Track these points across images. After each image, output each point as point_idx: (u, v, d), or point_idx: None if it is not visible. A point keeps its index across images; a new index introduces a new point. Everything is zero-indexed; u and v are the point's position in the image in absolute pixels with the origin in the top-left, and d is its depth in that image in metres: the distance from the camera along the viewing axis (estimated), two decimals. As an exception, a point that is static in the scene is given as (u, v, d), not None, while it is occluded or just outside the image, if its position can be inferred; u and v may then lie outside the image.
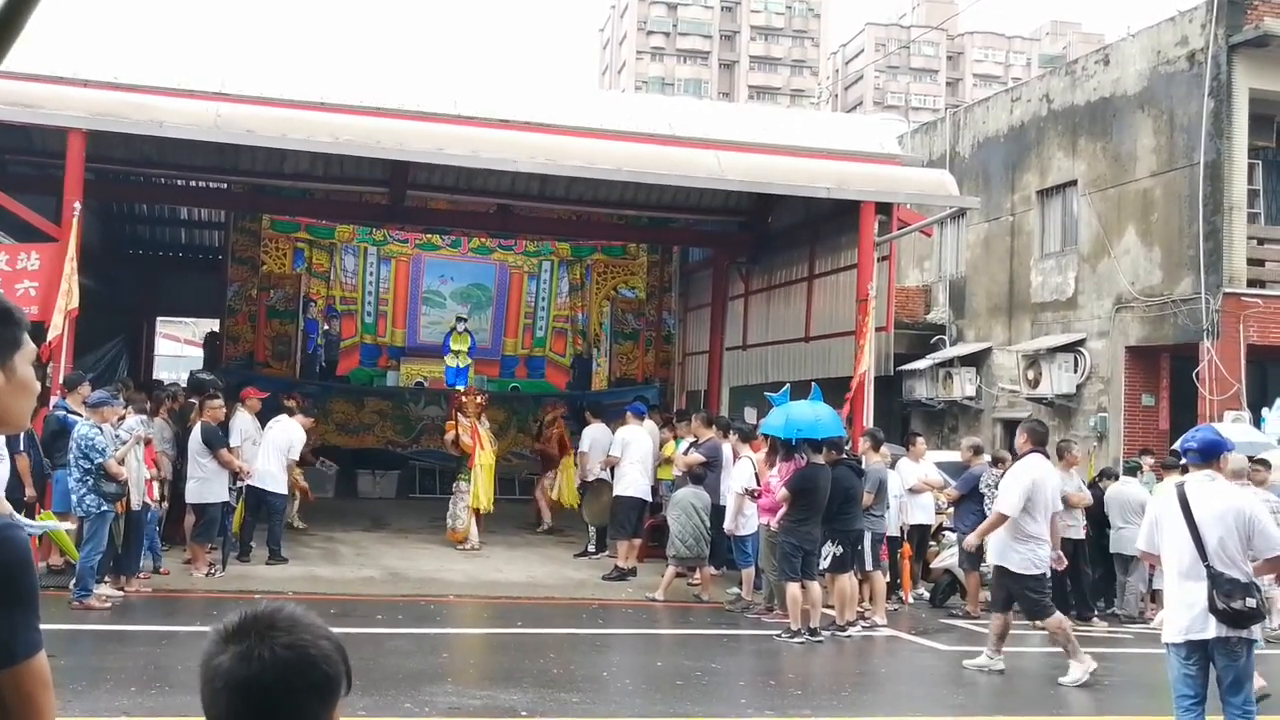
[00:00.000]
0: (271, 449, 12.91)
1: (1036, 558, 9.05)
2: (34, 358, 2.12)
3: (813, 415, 10.91)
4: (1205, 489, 6.08)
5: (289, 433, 13.20)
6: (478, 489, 14.52)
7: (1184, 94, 17.57)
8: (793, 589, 10.37)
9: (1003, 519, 9.03)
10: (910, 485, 13.02)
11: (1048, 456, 9.58)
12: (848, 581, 10.91)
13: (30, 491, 10.12)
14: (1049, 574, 9.39)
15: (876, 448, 12.15)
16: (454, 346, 21.69)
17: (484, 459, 14.69)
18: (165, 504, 11.91)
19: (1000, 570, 9.32)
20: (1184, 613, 5.99)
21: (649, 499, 13.84)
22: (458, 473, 15.00)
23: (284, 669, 1.65)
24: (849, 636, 10.71)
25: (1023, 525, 8.96)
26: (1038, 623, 9.57)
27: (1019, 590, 9.15)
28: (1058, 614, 9.30)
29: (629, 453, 13.65)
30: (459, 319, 21.73)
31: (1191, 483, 6.17)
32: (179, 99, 12.91)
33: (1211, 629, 5.89)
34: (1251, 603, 5.84)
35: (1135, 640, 11.61)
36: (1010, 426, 20.70)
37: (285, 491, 13.23)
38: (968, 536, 9.99)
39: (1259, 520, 5.99)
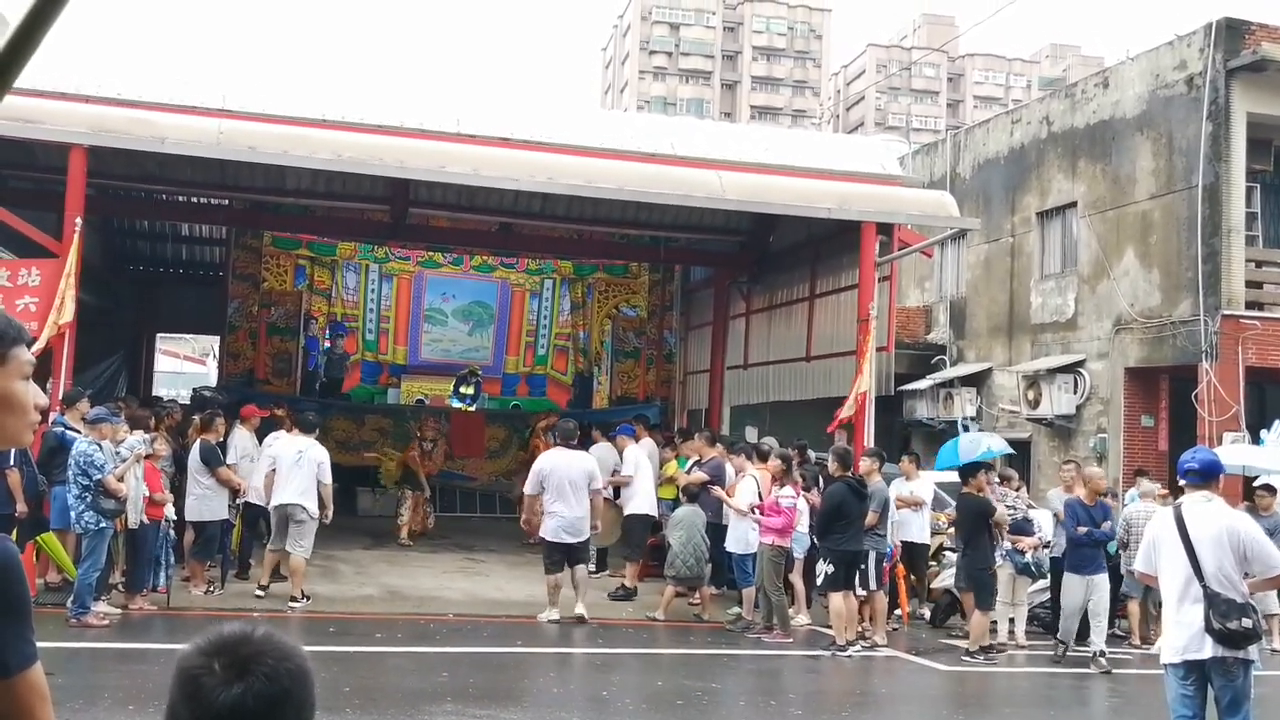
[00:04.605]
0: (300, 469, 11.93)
1: (549, 528, 11.53)
2: (26, 373, 2.06)
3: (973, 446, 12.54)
4: (1201, 510, 6.08)
5: (316, 453, 11.92)
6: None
7: (1182, 117, 17.63)
8: (980, 616, 11.18)
9: (532, 499, 11.77)
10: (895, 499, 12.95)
11: (574, 448, 12.05)
12: (843, 601, 10.90)
13: (21, 507, 10.07)
14: (552, 540, 11.54)
15: (880, 467, 12.13)
16: (462, 390, 21.67)
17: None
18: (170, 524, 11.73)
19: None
20: (1181, 633, 5.99)
21: (656, 517, 13.86)
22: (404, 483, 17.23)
23: (279, 695, 1.62)
24: (849, 656, 10.68)
25: (545, 502, 11.55)
26: (549, 576, 11.57)
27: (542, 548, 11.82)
28: (556, 575, 11.50)
29: (642, 471, 13.65)
30: (471, 372, 21.68)
31: (1188, 504, 6.17)
32: (181, 115, 12.94)
33: (1208, 649, 5.88)
34: (1247, 623, 5.83)
35: (1136, 661, 11.57)
36: (1011, 446, 20.70)
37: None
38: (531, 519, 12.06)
39: (1255, 541, 5.99)
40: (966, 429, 12.69)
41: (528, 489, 11.87)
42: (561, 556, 11.61)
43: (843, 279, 15.84)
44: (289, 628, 10.27)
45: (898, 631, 12.30)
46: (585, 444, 15.97)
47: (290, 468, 11.59)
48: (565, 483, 11.58)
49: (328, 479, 11.73)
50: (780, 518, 11.38)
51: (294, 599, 11.41)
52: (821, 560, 11.14)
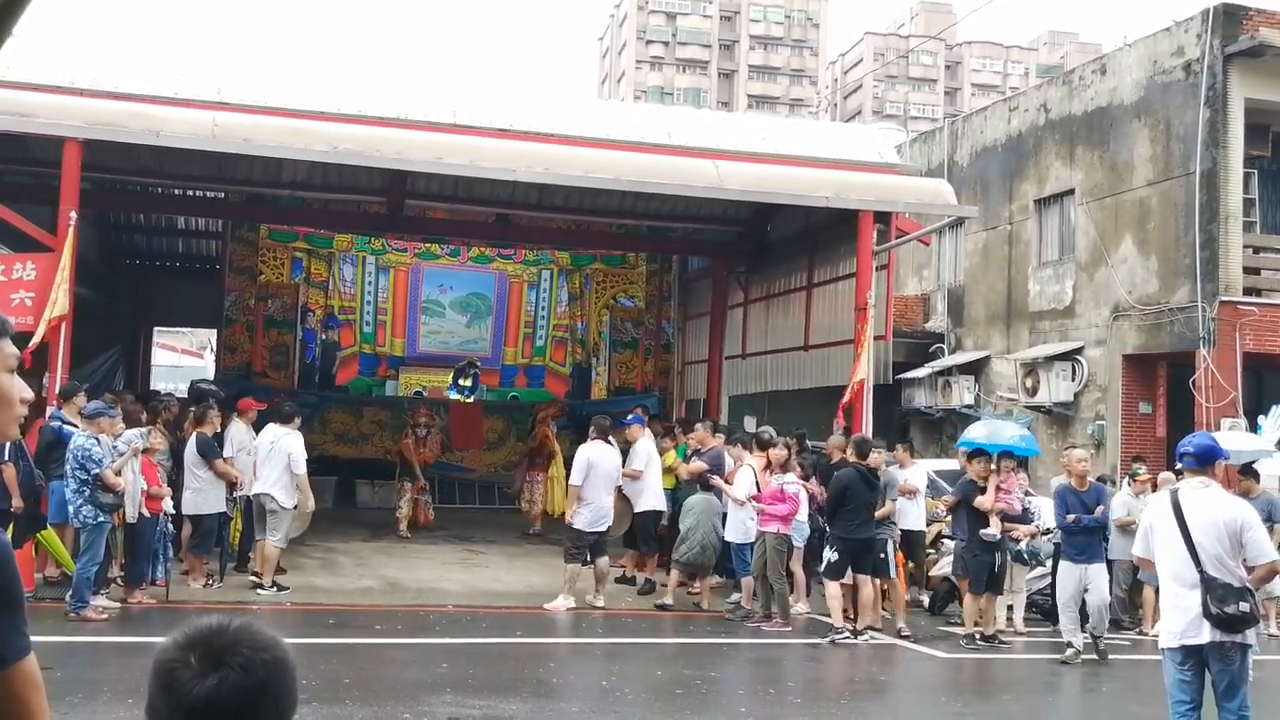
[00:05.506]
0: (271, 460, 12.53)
1: (585, 518, 11.87)
2: (10, 366, 2.05)
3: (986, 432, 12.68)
4: (1198, 495, 6.08)
5: (287, 443, 12.45)
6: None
7: (1180, 103, 17.60)
8: (970, 600, 11.18)
9: (577, 489, 11.99)
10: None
11: (610, 443, 12.46)
12: (838, 588, 10.93)
13: (17, 501, 10.05)
14: (585, 530, 11.92)
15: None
16: (461, 382, 21.68)
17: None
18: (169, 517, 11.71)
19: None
20: (1179, 618, 6.00)
21: (664, 510, 13.82)
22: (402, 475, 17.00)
23: (255, 686, 1.60)
24: (850, 643, 10.68)
25: (583, 492, 11.90)
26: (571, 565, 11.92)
27: (567, 536, 12.11)
28: (578, 565, 11.83)
29: (652, 465, 13.56)
30: (470, 364, 21.69)
31: (1185, 489, 6.18)
32: (176, 108, 12.92)
33: (1205, 634, 5.89)
34: (1245, 607, 5.84)
35: (1132, 647, 11.59)
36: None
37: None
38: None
39: (1250, 528, 5.99)
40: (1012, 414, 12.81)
41: (574, 479, 12.12)
42: (588, 546, 11.93)
43: (840, 268, 15.82)
44: (286, 619, 10.27)
45: (894, 619, 12.30)
46: (584, 435, 15.99)
47: (264, 458, 11.86)
48: (606, 475, 12.08)
49: (300, 469, 11.85)
50: (787, 504, 11.38)
51: (259, 586, 11.53)
52: (828, 547, 11.13)
